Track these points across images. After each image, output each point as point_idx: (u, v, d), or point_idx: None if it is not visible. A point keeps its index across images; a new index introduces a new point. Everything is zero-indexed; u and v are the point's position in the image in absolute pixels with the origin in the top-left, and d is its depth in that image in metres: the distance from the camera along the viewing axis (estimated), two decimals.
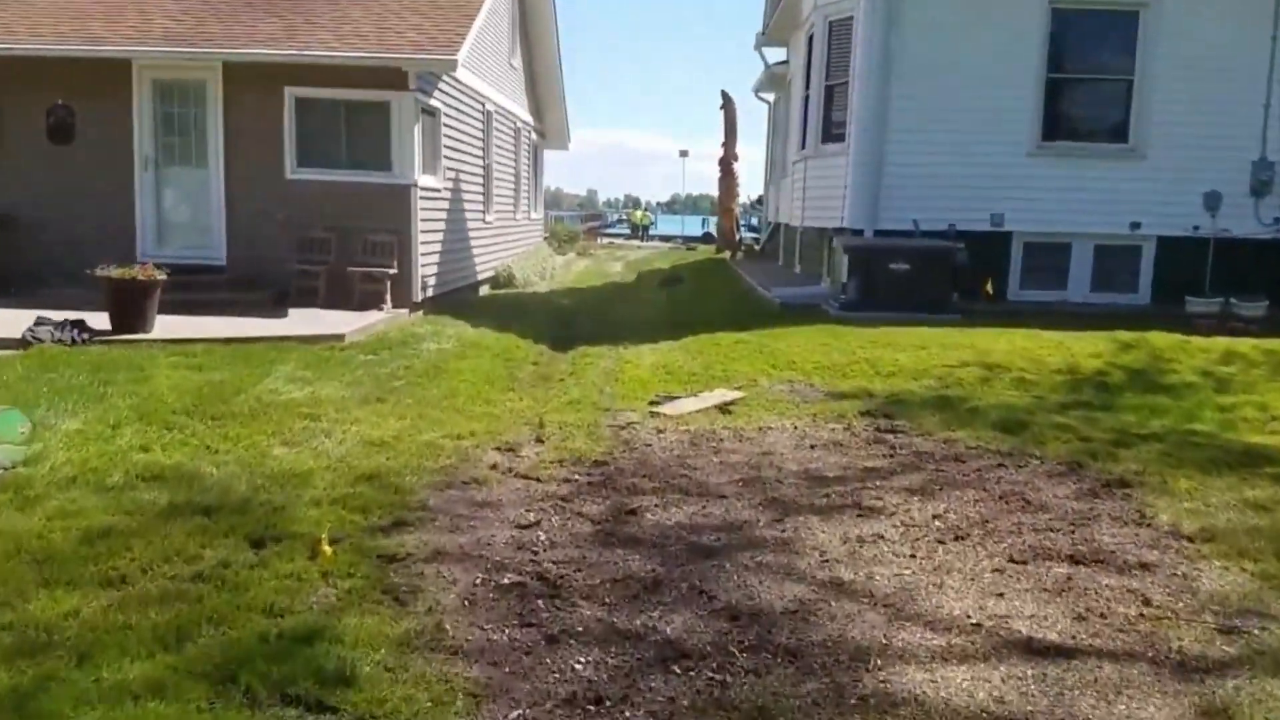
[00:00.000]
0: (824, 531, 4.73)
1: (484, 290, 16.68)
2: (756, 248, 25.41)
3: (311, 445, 5.96)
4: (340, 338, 9.65)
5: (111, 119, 11.71)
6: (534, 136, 22.19)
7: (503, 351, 10.13)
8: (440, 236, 13.26)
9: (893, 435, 6.84)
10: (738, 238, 25.90)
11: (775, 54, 21.24)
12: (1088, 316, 11.76)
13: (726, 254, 25.42)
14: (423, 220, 12.23)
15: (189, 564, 4.04)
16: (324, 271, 11.66)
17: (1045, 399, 8.18)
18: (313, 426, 6.37)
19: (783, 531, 4.72)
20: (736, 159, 25.57)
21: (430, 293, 12.73)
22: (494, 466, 5.77)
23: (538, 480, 5.53)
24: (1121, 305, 12.71)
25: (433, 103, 12.73)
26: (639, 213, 64.75)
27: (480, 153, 15.89)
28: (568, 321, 13.03)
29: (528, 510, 4.99)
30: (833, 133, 13.74)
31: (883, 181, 12.63)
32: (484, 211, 16.28)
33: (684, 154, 55.06)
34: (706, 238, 52.50)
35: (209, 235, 11.98)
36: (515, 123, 19.42)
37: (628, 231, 56.38)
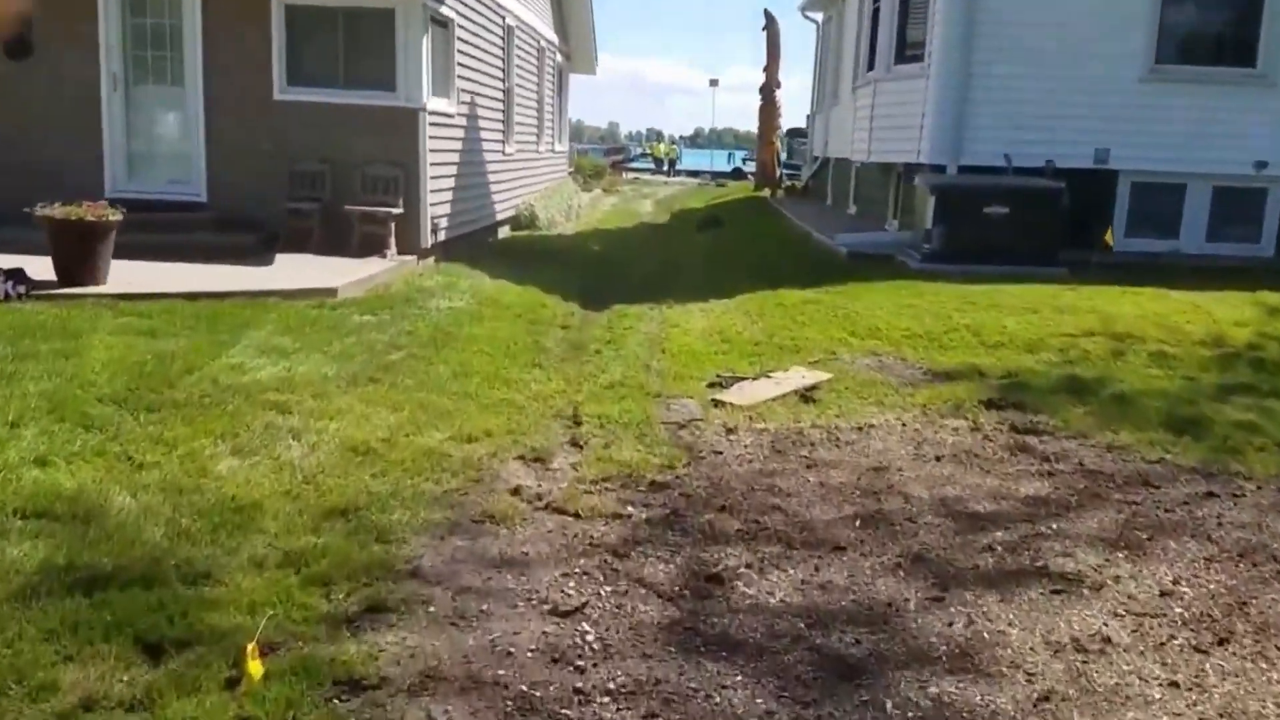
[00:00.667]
0: (1014, 625, 3.16)
1: (503, 232, 15.02)
2: (798, 185, 23.48)
3: (272, 453, 4.43)
4: (332, 292, 8.08)
5: (74, 31, 10.01)
6: (559, 58, 20.24)
7: (526, 311, 8.54)
8: (454, 171, 11.58)
9: (1037, 439, 5.24)
10: (778, 174, 23.94)
11: None
12: (1210, 272, 9.98)
13: (766, 192, 23.50)
14: (433, 152, 10.54)
15: (31, 703, 2.52)
16: (318, 211, 10.04)
17: (1198, 381, 6.55)
18: (279, 423, 4.83)
19: (951, 624, 3.16)
20: (779, 85, 23.48)
21: (442, 236, 11.10)
22: (517, 491, 4.22)
23: (577, 516, 3.98)
24: (1243, 257, 10.90)
25: (444, 11, 10.93)
26: (663, 146, 62.31)
27: (500, 74, 14.08)
28: (599, 272, 11.39)
29: (566, 575, 3.45)
30: (908, 52, 11.84)
31: (968, 109, 10.78)
32: (504, 142, 14.53)
33: (714, 83, 51.87)
34: (736, 173, 50.26)
35: (188, 167, 10.35)
36: (539, 41, 17.51)
37: (652, 166, 54.06)
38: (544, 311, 8.66)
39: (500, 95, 14.13)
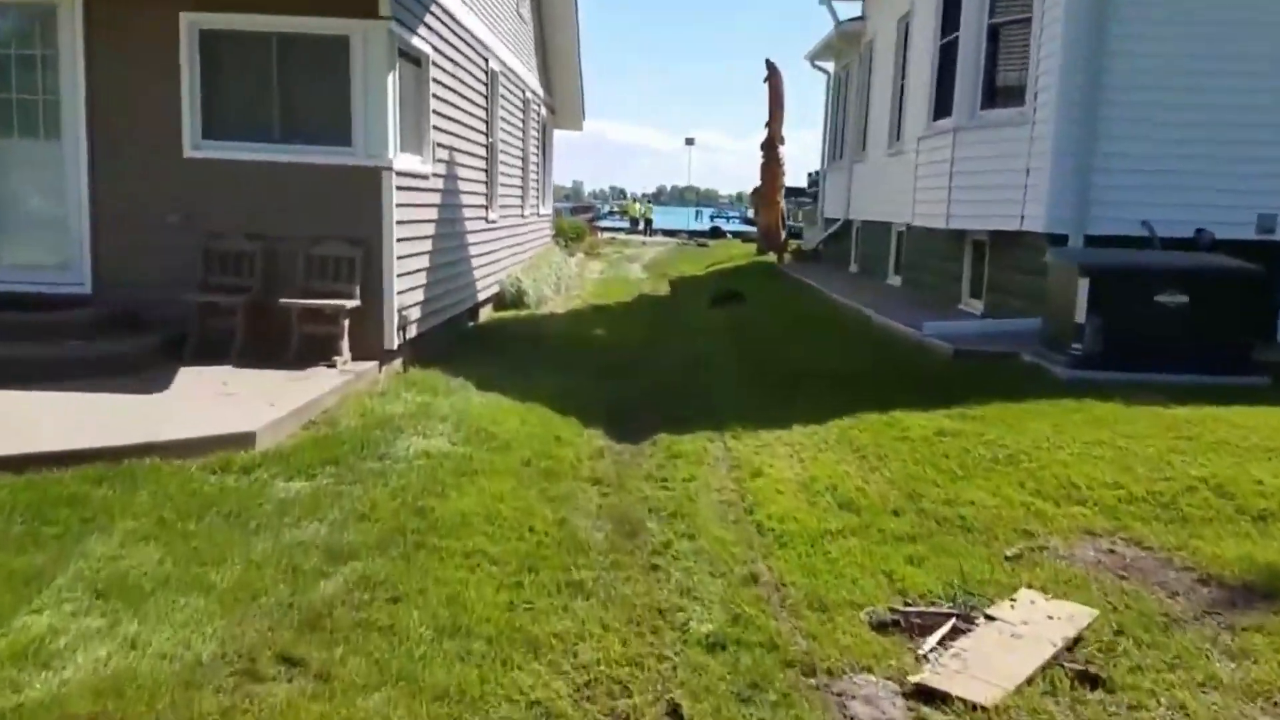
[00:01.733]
0: None
1: (486, 313, 12.42)
2: (804, 249, 21.17)
3: None
4: (248, 439, 5.39)
5: None
6: (544, 112, 17.89)
7: (536, 451, 5.89)
8: (428, 246, 9.00)
9: None
10: (783, 236, 21.63)
11: (847, 9, 17.02)
12: None
13: (771, 256, 21.17)
14: (402, 224, 7.97)
15: None
16: (243, 305, 7.38)
17: None
18: None
19: None
20: (783, 141, 21.31)
21: (413, 331, 8.47)
22: None
23: None
24: None
25: (417, 43, 8.45)
26: (639, 205, 60.49)
27: (483, 126, 11.61)
28: (615, 371, 8.79)
29: None
30: (999, 95, 9.51)
31: (1095, 164, 8.41)
32: (487, 208, 12.01)
33: (689, 142, 49.95)
34: (715, 232, 48.45)
35: (64, 248, 7.67)
36: (525, 91, 15.12)
37: (626, 225, 52.01)
38: (561, 451, 6.01)
39: (483, 152, 11.64)
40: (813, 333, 10.18)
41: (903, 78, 13.88)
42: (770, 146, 21.37)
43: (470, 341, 10.07)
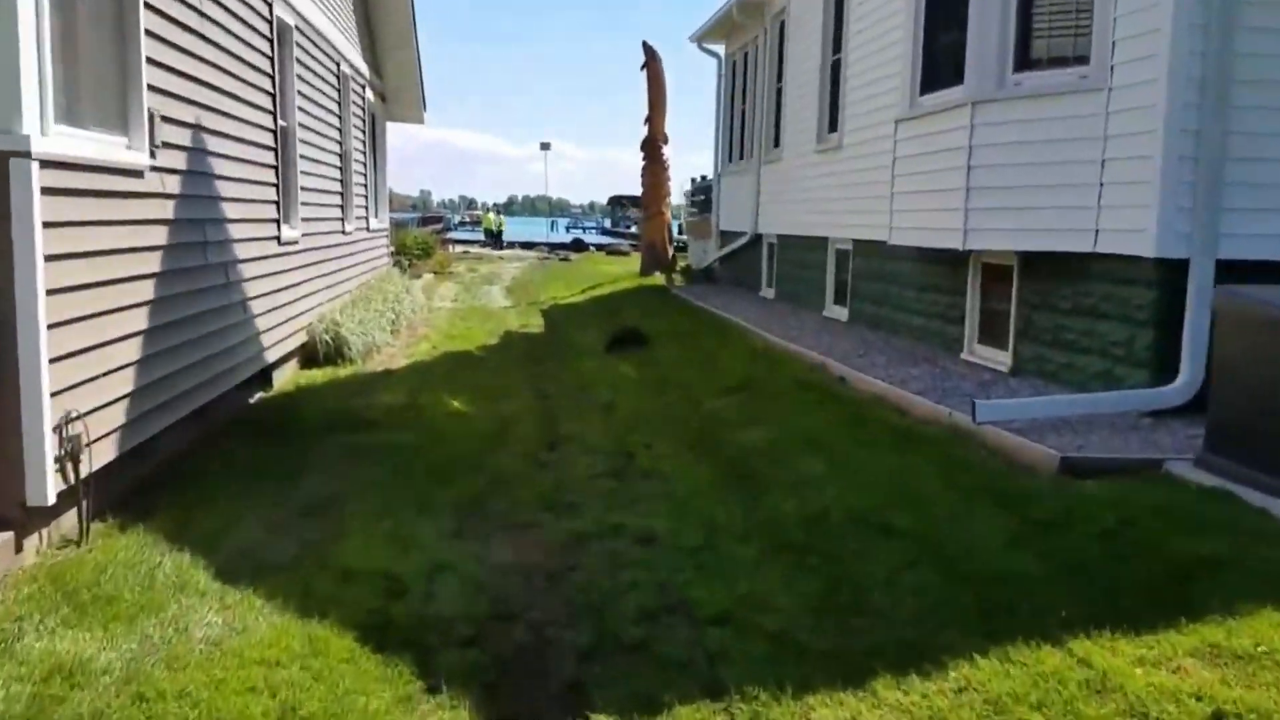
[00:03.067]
0: None
1: (286, 374, 8.54)
2: (699, 268, 18.02)
3: None
4: None
5: None
6: (369, 97, 14.00)
7: None
8: (147, 293, 5.17)
9: None
10: (670, 253, 18.43)
11: None
12: None
13: (658, 277, 17.90)
14: (66, 258, 4.16)
15: None
16: None
17: None
18: None
19: None
20: (666, 140, 18.12)
21: (110, 450, 4.64)
22: None
23: None
24: None
25: None
26: (491, 215, 56.48)
27: (268, 99, 7.76)
28: (494, 509, 5.18)
29: None
30: (1043, 52, 6.50)
31: (1234, 150, 5.46)
32: (279, 221, 8.15)
33: (545, 147, 45.76)
34: (577, 245, 45.05)
35: None
36: (340, 63, 11.26)
37: (480, 237, 47.90)
38: None
39: (267, 139, 7.78)
40: (780, 406, 6.86)
41: (837, 51, 10.85)
42: (652, 145, 18.13)
43: (240, 440, 6.21)
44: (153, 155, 5.32)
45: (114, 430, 4.68)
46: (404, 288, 13.50)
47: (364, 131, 13.21)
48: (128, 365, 4.89)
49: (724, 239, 16.65)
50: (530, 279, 22.32)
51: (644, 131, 18.30)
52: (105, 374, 4.60)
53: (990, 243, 7.02)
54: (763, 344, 9.69)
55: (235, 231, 6.86)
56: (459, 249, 37.62)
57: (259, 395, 7.78)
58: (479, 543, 4.54)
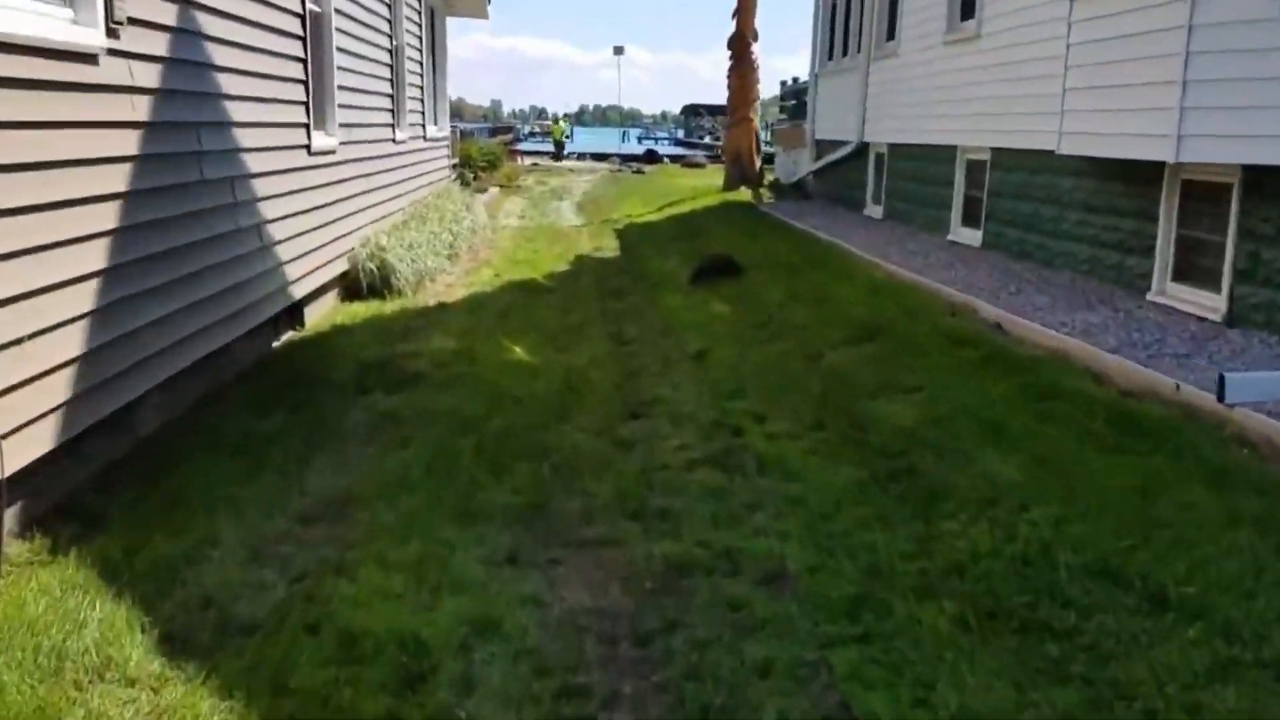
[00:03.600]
0: None
1: (323, 307, 7.33)
2: (788, 183, 16.25)
3: None
4: None
5: None
6: None
7: None
8: (106, 219, 3.90)
9: None
10: (757, 165, 16.66)
11: None
12: None
13: (744, 192, 16.19)
14: None
15: None
16: None
17: None
18: None
19: None
20: (756, 37, 16.19)
21: (50, 438, 3.45)
22: None
23: None
24: None
25: None
26: (562, 124, 54.61)
27: None
28: (543, 505, 3.90)
29: None
30: None
31: None
32: (313, 126, 6.81)
33: (619, 51, 43.47)
34: (649, 156, 43.03)
35: None
36: None
37: (552, 150, 46.12)
38: None
39: (293, 24, 6.38)
40: (927, 364, 5.36)
41: None
42: (739, 43, 16.20)
43: (246, 405, 4.96)
44: (112, 35, 3.98)
45: (50, 412, 3.46)
46: (464, 205, 12.14)
47: (419, 26, 11.72)
48: (74, 320, 3.65)
49: (819, 149, 14.84)
50: (603, 194, 20.80)
51: (730, 28, 16.38)
52: (32, 336, 3.36)
53: (1213, 153, 5.31)
54: (883, 275, 8.12)
55: (246, 139, 5.54)
56: (528, 161, 36.07)
57: (287, 336, 6.57)
58: (539, 575, 3.26)
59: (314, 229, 6.89)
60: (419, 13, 11.72)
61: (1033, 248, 7.92)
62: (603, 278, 9.73)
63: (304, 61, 6.64)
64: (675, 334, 6.96)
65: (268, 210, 5.91)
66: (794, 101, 17.70)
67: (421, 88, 11.94)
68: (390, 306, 7.76)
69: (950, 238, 9.54)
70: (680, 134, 77.74)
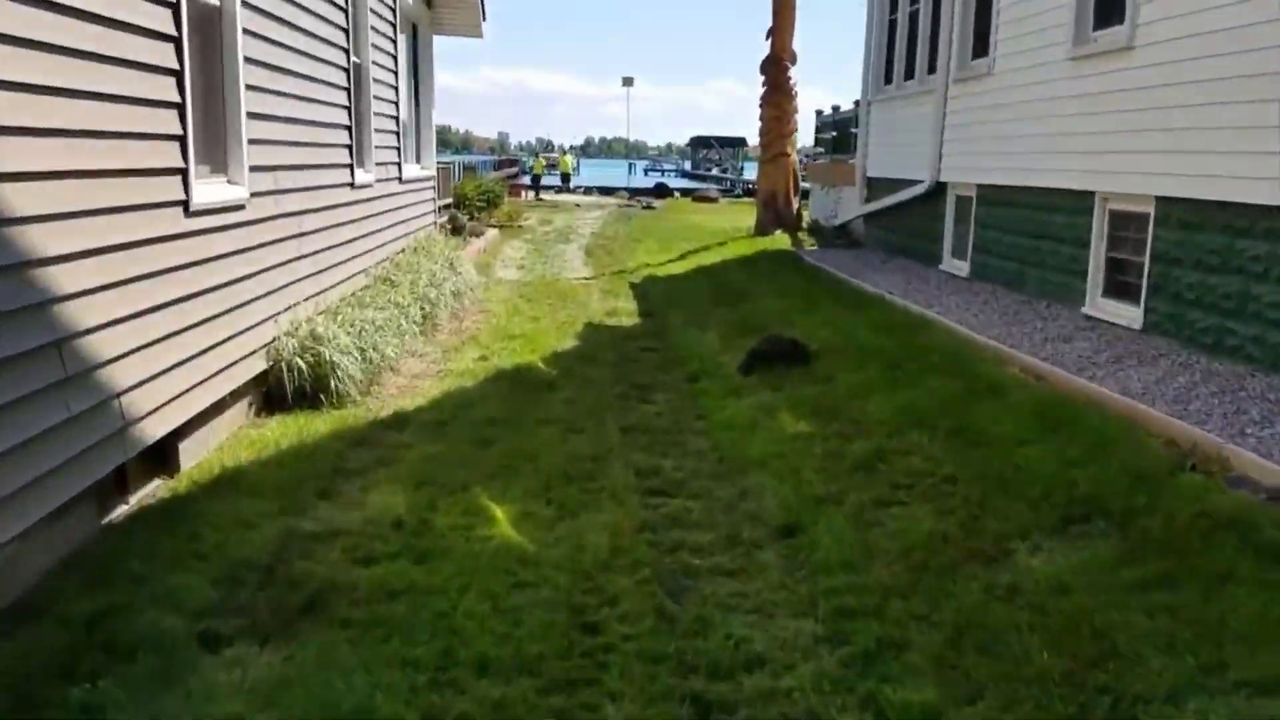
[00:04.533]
0: None
1: (210, 442, 4.99)
2: (829, 226, 13.96)
3: None
4: None
5: None
6: (408, 2, 10.27)
7: None
8: None
9: None
10: (795, 206, 14.39)
11: None
12: None
13: (781, 237, 13.89)
14: None
15: None
16: None
17: None
18: None
19: None
20: (794, 60, 14.00)
21: None
22: None
23: None
24: None
25: None
26: (569, 158, 52.77)
27: None
28: None
29: None
30: None
31: None
32: (192, 171, 4.52)
33: (628, 82, 41.28)
34: (660, 190, 41.02)
35: None
36: None
37: (558, 182, 44.03)
38: None
39: (152, 17, 4.10)
40: (1251, 612, 2.99)
41: None
42: (775, 67, 14.00)
43: None
44: None
45: None
46: (449, 260, 9.84)
47: (393, 42, 9.51)
48: None
49: (872, 189, 12.57)
50: (614, 235, 18.54)
51: (764, 51, 14.17)
52: None
53: None
54: (1031, 377, 5.75)
55: (41, 199, 3.24)
56: (532, 197, 33.95)
57: (143, 494, 4.25)
58: None
59: (198, 323, 4.59)
60: (393, 25, 9.51)
61: (1243, 341, 5.57)
62: (623, 361, 7.39)
63: (178, 75, 4.37)
64: (739, 478, 4.62)
65: (88, 311, 3.60)
66: (833, 134, 15.50)
67: (396, 118, 9.71)
68: (323, 423, 5.43)
69: (1087, 311, 7.18)
70: (687, 165, 75.82)
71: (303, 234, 6.23)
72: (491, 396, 6.25)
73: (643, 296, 10.55)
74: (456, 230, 14.99)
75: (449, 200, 17.20)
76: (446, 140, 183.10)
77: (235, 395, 5.25)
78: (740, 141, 65.43)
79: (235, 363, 5.15)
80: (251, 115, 5.30)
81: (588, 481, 4.62)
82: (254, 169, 5.33)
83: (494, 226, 18.31)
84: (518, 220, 20.74)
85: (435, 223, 12.37)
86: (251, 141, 5.29)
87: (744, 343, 7.33)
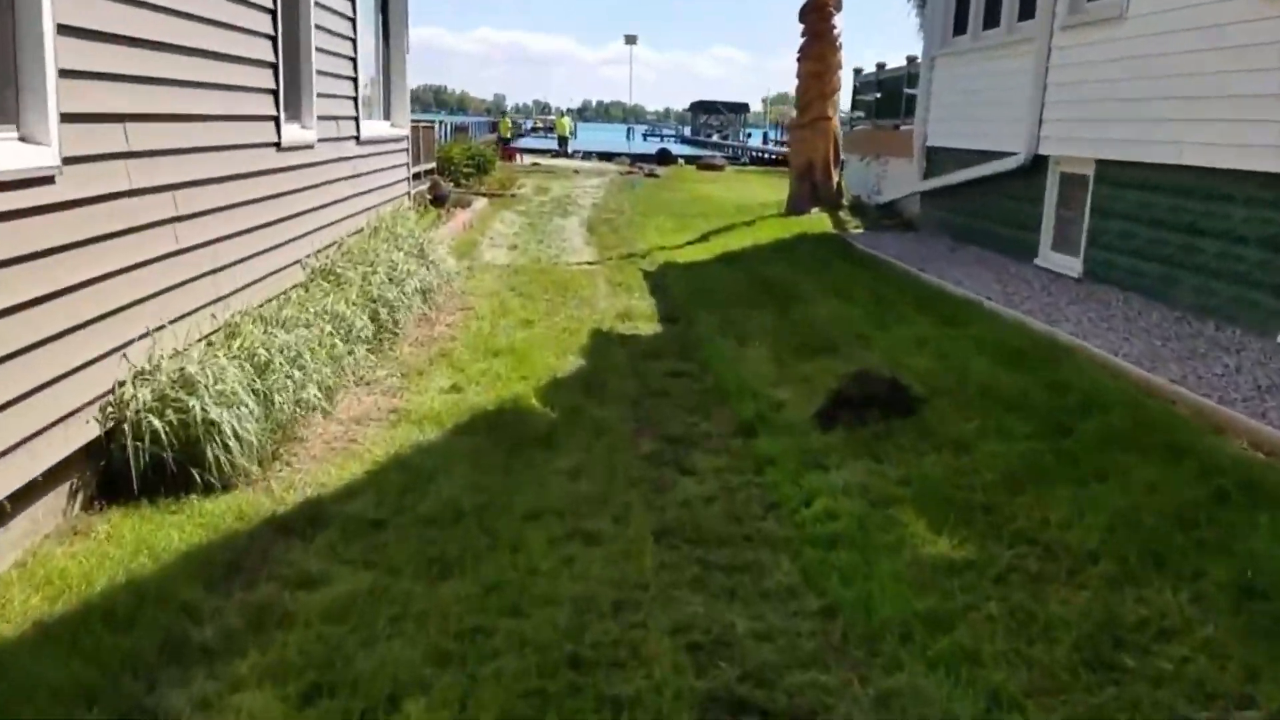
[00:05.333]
0: None
1: (7, 555, 3.02)
2: (873, 205, 11.90)
3: None
4: None
5: None
6: None
7: None
8: None
9: None
10: (835, 180, 12.32)
11: None
12: None
13: (819, 216, 11.82)
14: None
15: None
16: None
17: None
18: None
19: None
20: (839, 6, 11.87)
21: None
22: None
23: None
24: None
25: None
26: (567, 121, 50.26)
27: None
28: None
29: None
30: None
31: None
32: None
33: (631, 40, 38.96)
34: (663, 156, 38.76)
35: None
36: None
37: (554, 146, 41.74)
38: None
39: None
40: None
41: None
42: (818, 12, 11.84)
43: None
44: None
45: None
46: (420, 244, 7.78)
47: None
48: None
49: (933, 161, 10.50)
50: (618, 207, 16.43)
51: None
52: None
53: None
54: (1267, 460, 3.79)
55: None
56: (528, 160, 31.68)
57: None
58: None
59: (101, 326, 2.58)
60: None
61: None
62: (645, 395, 5.38)
63: None
64: (873, 670, 2.65)
65: None
66: (876, 95, 13.38)
67: (354, 60, 7.62)
68: (182, 529, 3.44)
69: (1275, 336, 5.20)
70: (687, 131, 73.05)
71: (178, 218, 4.19)
72: (460, 461, 4.26)
73: (661, 291, 8.52)
74: (438, 200, 12.92)
75: (431, 165, 15.10)
76: (443, 100, 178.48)
77: (49, 479, 3.27)
78: (744, 107, 62.88)
79: (41, 431, 3.17)
80: (64, 29, 3.25)
81: (610, 673, 2.65)
82: (70, 118, 3.29)
83: (483, 195, 16.21)
84: (510, 188, 18.62)
85: (409, 193, 10.29)
86: (65, 74, 3.25)
87: (805, 368, 5.37)
